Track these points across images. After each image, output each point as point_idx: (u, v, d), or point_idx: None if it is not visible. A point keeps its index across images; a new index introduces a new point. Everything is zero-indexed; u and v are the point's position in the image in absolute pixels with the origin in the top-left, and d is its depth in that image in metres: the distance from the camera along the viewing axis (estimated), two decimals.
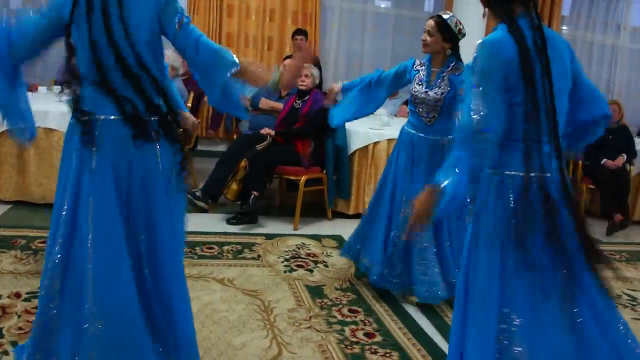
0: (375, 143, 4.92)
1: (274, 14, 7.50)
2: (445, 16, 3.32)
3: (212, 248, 3.94)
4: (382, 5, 8.19)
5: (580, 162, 5.72)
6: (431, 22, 3.32)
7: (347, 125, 4.66)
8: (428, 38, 3.34)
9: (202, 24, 7.16)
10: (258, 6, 7.42)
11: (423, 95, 3.34)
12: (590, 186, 5.69)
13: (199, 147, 6.64)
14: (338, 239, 4.38)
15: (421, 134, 3.38)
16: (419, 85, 3.38)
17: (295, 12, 7.50)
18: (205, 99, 5.82)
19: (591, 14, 8.73)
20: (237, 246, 4.01)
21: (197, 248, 3.88)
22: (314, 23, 7.53)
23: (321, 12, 7.64)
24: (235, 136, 6.06)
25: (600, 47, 8.81)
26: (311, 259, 3.94)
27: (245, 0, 7.37)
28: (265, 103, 5.36)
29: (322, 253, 4.07)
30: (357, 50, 7.98)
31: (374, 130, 4.97)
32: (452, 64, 3.36)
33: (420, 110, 3.38)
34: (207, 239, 4.08)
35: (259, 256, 3.88)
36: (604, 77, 8.66)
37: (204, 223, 4.41)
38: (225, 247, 3.97)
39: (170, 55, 5.10)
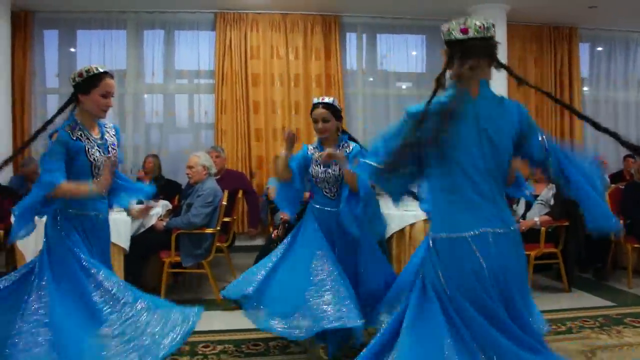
0: (412, 225, 4.91)
1: (298, 79, 7.81)
2: (328, 100, 3.50)
3: (258, 345, 3.92)
4: (404, 87, 8.46)
5: (621, 221, 5.59)
6: (322, 111, 3.46)
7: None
8: (327, 125, 3.48)
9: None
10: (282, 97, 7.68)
11: (323, 175, 3.55)
12: (636, 245, 5.55)
13: (237, 243, 6.71)
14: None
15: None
16: (317, 166, 3.57)
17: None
18: (240, 195, 5.94)
19: (610, 73, 8.83)
20: (283, 342, 3.96)
21: (242, 346, 3.87)
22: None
23: (345, 103, 7.87)
24: (271, 229, 6.11)
25: (625, 105, 8.82)
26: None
27: (271, 97, 7.65)
28: None
29: None
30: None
31: (409, 212, 4.94)
32: (343, 142, 3.56)
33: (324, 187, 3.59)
34: (251, 336, 4.05)
35: (306, 350, 3.83)
36: (632, 134, 8.55)
37: (247, 320, 4.37)
38: (271, 343, 3.94)
39: (202, 156, 5.27)
